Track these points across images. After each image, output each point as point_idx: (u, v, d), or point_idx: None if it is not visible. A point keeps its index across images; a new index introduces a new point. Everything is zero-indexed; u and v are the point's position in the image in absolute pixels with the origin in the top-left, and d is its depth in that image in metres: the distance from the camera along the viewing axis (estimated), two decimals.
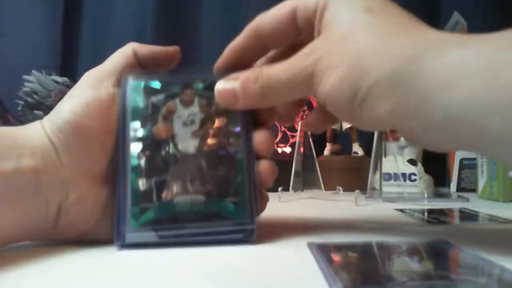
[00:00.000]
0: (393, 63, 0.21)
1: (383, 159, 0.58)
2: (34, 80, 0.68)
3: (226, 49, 0.28)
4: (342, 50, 0.23)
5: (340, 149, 0.86)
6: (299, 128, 0.62)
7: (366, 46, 0.22)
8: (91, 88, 0.25)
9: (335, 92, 0.22)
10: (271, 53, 0.30)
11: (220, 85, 0.26)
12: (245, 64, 0.28)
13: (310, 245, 0.24)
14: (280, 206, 0.50)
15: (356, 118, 0.23)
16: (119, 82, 0.26)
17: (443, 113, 0.20)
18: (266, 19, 0.27)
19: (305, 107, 0.79)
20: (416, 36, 0.22)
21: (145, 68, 0.28)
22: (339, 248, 0.23)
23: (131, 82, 0.27)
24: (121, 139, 0.25)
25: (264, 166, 0.26)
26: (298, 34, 0.27)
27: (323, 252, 0.22)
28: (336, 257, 0.21)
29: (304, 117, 0.80)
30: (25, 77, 0.69)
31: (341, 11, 0.23)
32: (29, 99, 0.67)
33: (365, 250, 0.23)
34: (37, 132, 0.24)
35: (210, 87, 0.26)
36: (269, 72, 0.25)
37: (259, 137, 0.27)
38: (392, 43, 0.21)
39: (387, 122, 0.22)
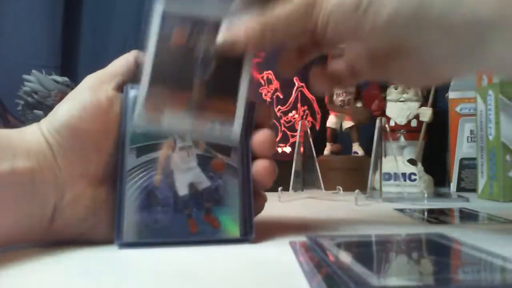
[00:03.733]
0: None
1: (383, 159, 0.58)
2: (34, 80, 0.68)
3: None
4: None
5: (340, 149, 0.85)
6: (299, 128, 0.62)
7: None
8: (90, 91, 0.25)
9: (339, 5, 0.24)
10: None
11: (223, 33, 0.26)
12: None
13: (292, 243, 0.24)
14: (280, 206, 0.50)
15: (360, 30, 0.24)
16: (120, 86, 0.26)
17: (439, 10, 0.22)
18: None
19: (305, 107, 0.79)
20: None
21: None
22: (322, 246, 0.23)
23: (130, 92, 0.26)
24: (121, 140, 0.26)
25: (263, 165, 0.26)
26: None
27: (305, 251, 0.22)
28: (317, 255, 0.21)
29: (304, 116, 0.80)
30: (25, 77, 0.69)
31: None
32: (29, 99, 0.67)
33: (359, 246, 0.23)
34: (34, 134, 0.24)
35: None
36: (267, 13, 0.25)
37: (260, 137, 0.27)
38: None
39: (390, 30, 0.24)
